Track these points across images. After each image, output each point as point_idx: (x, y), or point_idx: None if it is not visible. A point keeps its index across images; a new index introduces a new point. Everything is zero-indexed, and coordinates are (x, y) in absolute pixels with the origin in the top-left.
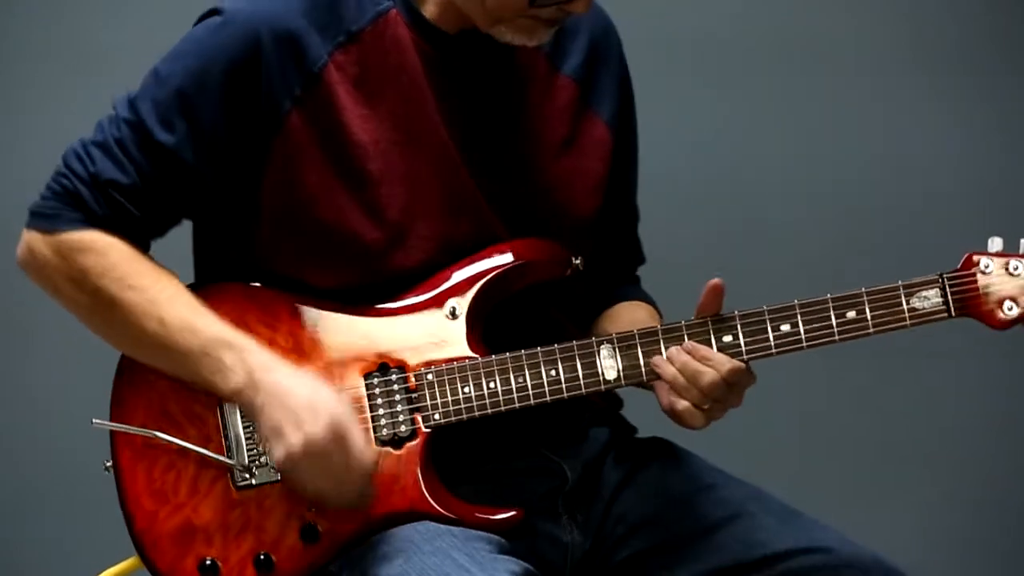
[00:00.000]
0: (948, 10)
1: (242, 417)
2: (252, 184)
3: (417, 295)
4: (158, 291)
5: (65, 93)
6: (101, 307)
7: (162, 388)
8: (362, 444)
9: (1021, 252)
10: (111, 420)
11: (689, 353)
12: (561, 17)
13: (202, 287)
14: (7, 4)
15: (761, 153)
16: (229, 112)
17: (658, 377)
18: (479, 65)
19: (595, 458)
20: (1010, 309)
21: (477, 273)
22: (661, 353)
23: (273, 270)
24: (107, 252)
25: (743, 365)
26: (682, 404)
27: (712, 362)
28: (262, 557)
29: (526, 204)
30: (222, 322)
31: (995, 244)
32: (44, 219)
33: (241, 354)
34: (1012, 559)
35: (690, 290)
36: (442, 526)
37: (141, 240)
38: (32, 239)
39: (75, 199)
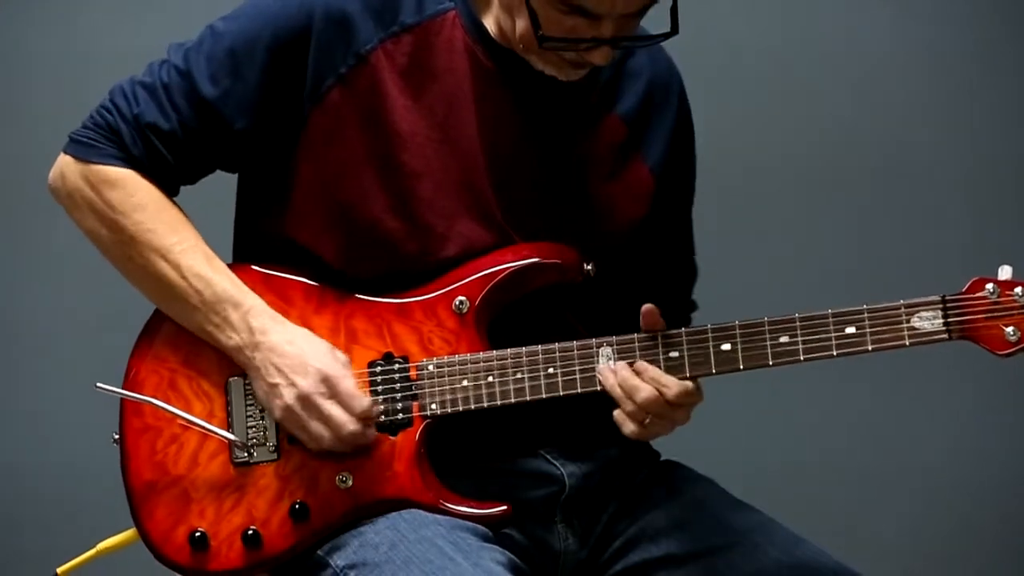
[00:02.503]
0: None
1: (246, 397)
2: (286, 151)
3: (428, 289)
4: (177, 239)
5: (63, 92)
6: (120, 243)
7: (173, 364)
8: (353, 391)
9: None
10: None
11: (637, 373)
12: (584, 62)
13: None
14: (7, 4)
15: (774, 158)
16: (273, 79)
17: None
18: (529, 84)
19: (602, 471)
20: (1011, 336)
21: (488, 273)
22: (659, 358)
23: (295, 240)
24: (135, 192)
25: (690, 385)
26: (617, 412)
27: (659, 383)
28: (250, 532)
29: (547, 225)
30: (232, 279)
31: (1005, 272)
32: (81, 147)
33: (246, 315)
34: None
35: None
36: (429, 515)
37: (170, 185)
38: (66, 164)
39: (114, 135)
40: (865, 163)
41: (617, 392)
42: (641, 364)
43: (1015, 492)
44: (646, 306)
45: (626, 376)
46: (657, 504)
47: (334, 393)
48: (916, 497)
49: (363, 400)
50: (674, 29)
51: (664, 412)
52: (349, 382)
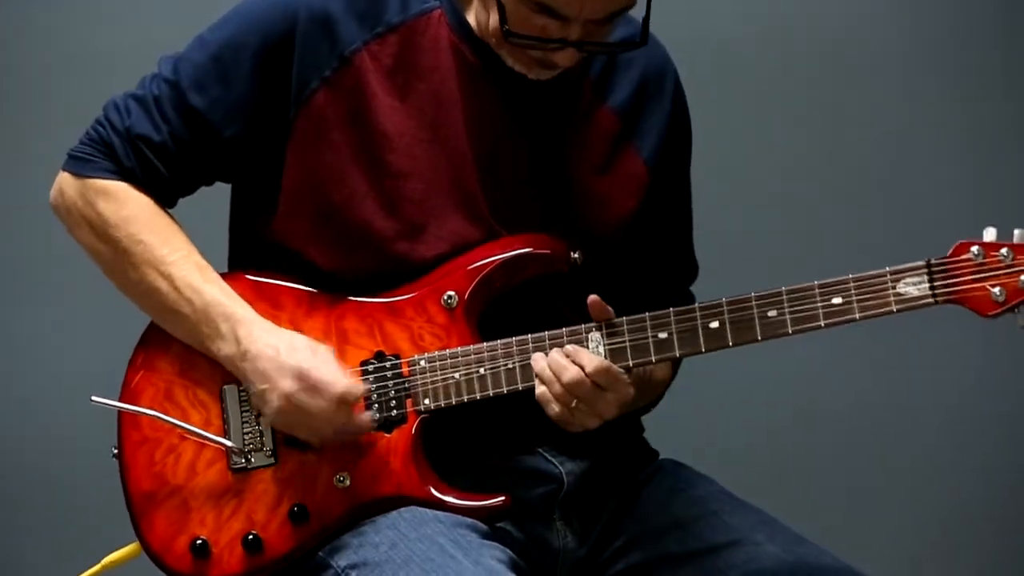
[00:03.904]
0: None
1: (241, 404)
2: (275, 156)
3: (417, 286)
4: (168, 251)
5: (65, 93)
6: (114, 256)
7: (169, 375)
8: (328, 378)
9: (1015, 241)
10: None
11: (567, 355)
12: (551, 63)
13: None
14: (8, 4)
15: (760, 148)
16: (260, 84)
17: (643, 363)
18: (516, 80)
19: (601, 470)
20: (998, 297)
21: (476, 266)
22: (648, 339)
23: (285, 245)
24: (127, 203)
25: (609, 364)
26: (540, 389)
27: (579, 360)
28: (251, 537)
29: (539, 222)
30: (224, 289)
31: (989, 234)
32: (76, 162)
33: (235, 325)
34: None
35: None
36: (429, 512)
37: (166, 197)
38: (63, 180)
39: (108, 148)
40: (846, 137)
41: (547, 374)
42: (571, 347)
43: (1015, 489)
44: (591, 297)
45: (556, 357)
46: (657, 503)
47: (310, 386)
48: (919, 495)
49: (338, 384)
50: (643, 40)
51: (590, 396)
52: (324, 370)
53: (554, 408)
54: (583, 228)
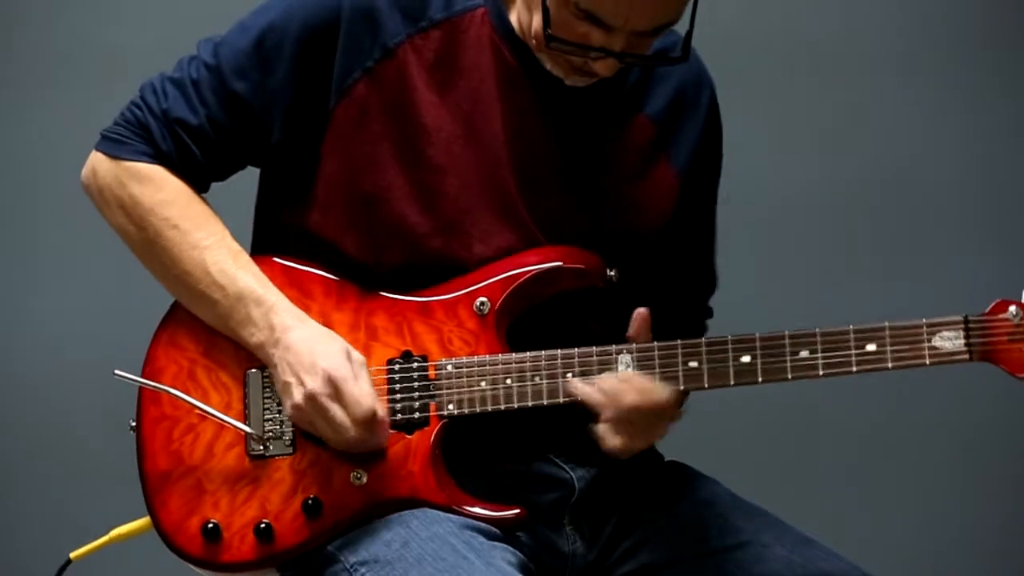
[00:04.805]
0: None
1: (264, 390)
2: (313, 144)
3: (450, 288)
4: (203, 235)
5: (73, 94)
6: (146, 240)
7: (192, 355)
8: (358, 395)
9: None
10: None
11: (624, 381)
12: (590, 71)
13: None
14: (13, 4)
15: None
16: (301, 71)
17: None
18: (554, 84)
19: (609, 473)
20: None
21: (511, 275)
22: (679, 368)
23: (318, 234)
24: (162, 187)
25: (661, 398)
26: (603, 425)
27: (633, 385)
28: (263, 526)
29: (571, 224)
30: (257, 276)
31: None
32: (111, 143)
33: (268, 312)
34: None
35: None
36: (440, 513)
37: (200, 181)
38: (97, 160)
39: (144, 131)
40: (890, 182)
41: (597, 398)
42: (626, 373)
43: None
44: (641, 310)
45: (612, 382)
46: (665, 506)
47: (338, 395)
48: (920, 496)
49: (364, 406)
50: (683, 55)
51: (643, 420)
52: (355, 385)
53: (614, 440)
54: (615, 232)
